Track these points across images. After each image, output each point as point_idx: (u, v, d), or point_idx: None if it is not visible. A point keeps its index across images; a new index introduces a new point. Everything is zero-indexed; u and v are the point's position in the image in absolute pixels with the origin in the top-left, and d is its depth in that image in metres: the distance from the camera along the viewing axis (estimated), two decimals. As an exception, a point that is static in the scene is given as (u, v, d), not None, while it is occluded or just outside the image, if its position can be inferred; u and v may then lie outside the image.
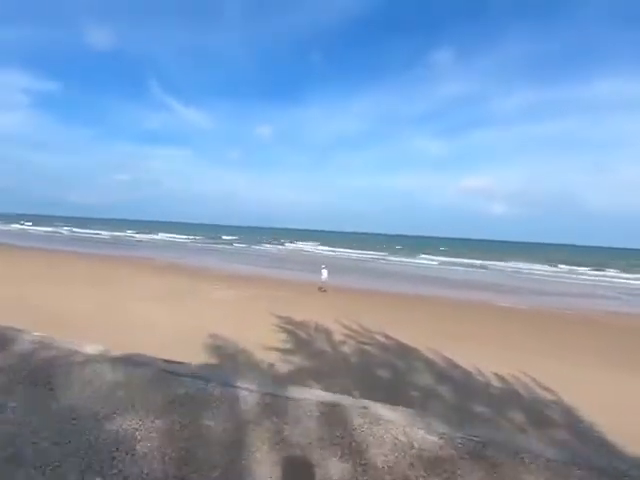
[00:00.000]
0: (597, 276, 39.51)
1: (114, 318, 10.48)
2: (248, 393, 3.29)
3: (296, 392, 3.43)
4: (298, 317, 11.79)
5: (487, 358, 9.00)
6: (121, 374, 3.51)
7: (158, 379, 3.43)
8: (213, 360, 7.47)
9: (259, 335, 9.39)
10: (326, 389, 6.49)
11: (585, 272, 42.66)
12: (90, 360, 3.77)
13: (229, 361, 7.52)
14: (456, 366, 8.43)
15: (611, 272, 43.13)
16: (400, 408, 3.28)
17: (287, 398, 3.25)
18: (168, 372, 3.58)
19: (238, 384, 3.44)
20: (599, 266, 48.82)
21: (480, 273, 36.97)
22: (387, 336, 10.49)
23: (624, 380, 8.49)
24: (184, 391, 3.24)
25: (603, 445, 5.33)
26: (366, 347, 9.43)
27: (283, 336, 9.69)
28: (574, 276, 38.49)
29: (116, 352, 4.05)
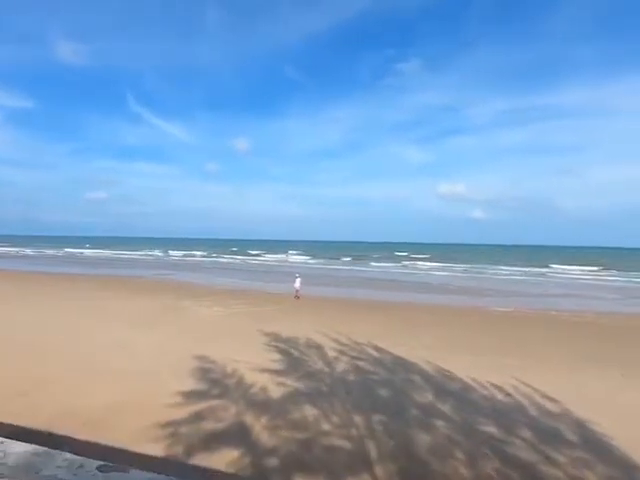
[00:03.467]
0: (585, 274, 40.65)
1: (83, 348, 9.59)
2: None
3: None
4: (285, 332, 11.21)
5: (487, 368, 8.69)
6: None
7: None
8: (200, 385, 6.81)
9: (248, 355, 8.76)
10: (324, 415, 6.01)
11: (569, 271, 43.86)
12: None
13: (216, 387, 6.86)
14: (453, 378, 8.08)
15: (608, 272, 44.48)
16: None
17: None
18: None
19: None
20: (587, 265, 50.08)
21: (460, 277, 37.30)
22: (377, 348, 10.06)
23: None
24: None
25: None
26: (359, 363, 8.94)
27: (273, 355, 9.08)
28: (562, 276, 39.44)
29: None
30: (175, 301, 17.07)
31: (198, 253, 69.69)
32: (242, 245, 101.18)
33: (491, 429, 5.85)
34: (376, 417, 6.05)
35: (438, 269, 45.44)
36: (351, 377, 7.92)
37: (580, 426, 6.00)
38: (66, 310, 14.17)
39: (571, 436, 5.75)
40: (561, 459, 5.03)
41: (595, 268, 47.26)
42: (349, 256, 63.88)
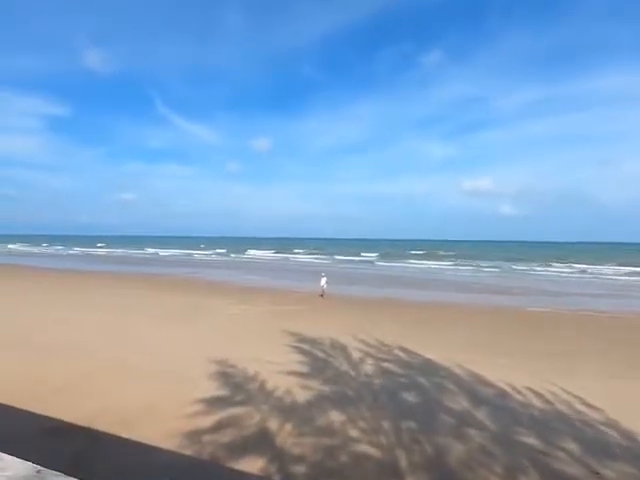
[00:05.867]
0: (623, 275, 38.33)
1: (116, 341, 9.89)
2: None
3: None
4: (310, 332, 11.13)
5: (522, 373, 8.26)
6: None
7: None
8: (222, 391, 6.82)
9: (273, 356, 8.74)
10: (350, 420, 5.86)
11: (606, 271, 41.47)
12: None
13: (239, 391, 6.85)
14: (486, 383, 7.71)
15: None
16: None
17: None
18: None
19: None
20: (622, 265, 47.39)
21: (492, 275, 36.00)
22: (405, 349, 9.79)
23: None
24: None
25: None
26: (387, 365, 8.72)
27: (298, 356, 9.01)
28: (593, 277, 37.36)
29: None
30: (204, 299, 17.37)
31: (221, 251, 71.27)
32: (268, 243, 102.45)
33: (530, 440, 5.50)
34: (406, 424, 5.83)
35: (465, 267, 44.09)
36: (378, 381, 7.72)
37: (628, 438, 5.55)
38: (108, 308, 14.70)
39: (618, 449, 5.33)
40: (609, 474, 4.65)
41: (632, 269, 44.44)
42: (373, 253, 63.35)
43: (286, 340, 10.42)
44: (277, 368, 7.88)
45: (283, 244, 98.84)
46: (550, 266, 44.78)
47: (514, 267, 43.36)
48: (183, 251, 71.80)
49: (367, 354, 9.38)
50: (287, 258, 58.32)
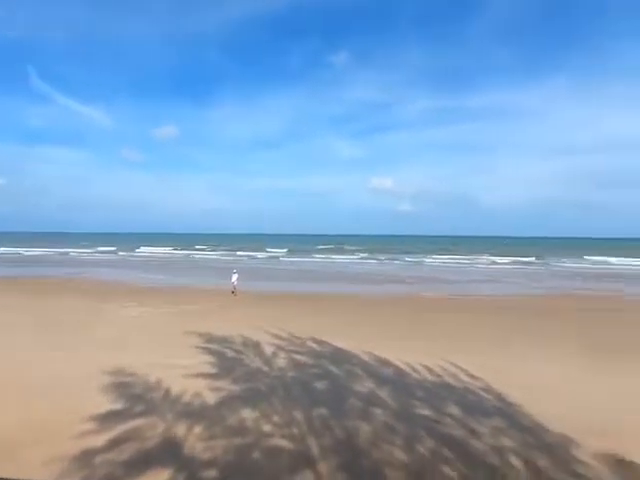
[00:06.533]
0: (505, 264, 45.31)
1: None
2: None
3: None
4: (220, 331, 10.71)
5: (419, 353, 9.18)
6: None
7: None
8: (119, 404, 6.12)
9: (179, 359, 8.16)
10: (263, 416, 5.81)
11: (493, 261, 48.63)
12: None
13: (139, 401, 6.24)
14: (389, 365, 8.40)
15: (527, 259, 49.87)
16: None
17: None
18: None
19: None
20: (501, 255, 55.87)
21: (392, 266, 39.39)
22: (317, 341, 10.10)
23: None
24: None
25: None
26: (300, 357, 8.87)
27: (207, 357, 8.59)
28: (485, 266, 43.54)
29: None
30: (96, 303, 15.37)
31: (108, 249, 62.53)
32: (176, 239, 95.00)
33: (425, 411, 6.17)
34: (317, 412, 6.01)
35: (369, 260, 47.48)
36: (291, 373, 7.81)
37: (499, 400, 6.62)
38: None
39: (492, 409, 6.32)
40: (483, 430, 5.49)
41: (504, 258, 53.10)
42: (281, 249, 63.49)
43: (193, 341, 9.84)
44: (183, 372, 7.39)
45: (186, 240, 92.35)
46: (441, 256, 50.83)
47: (409, 259, 48.10)
48: (58, 250, 60.88)
49: (280, 348, 9.41)
50: (188, 255, 54.34)
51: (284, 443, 5.06)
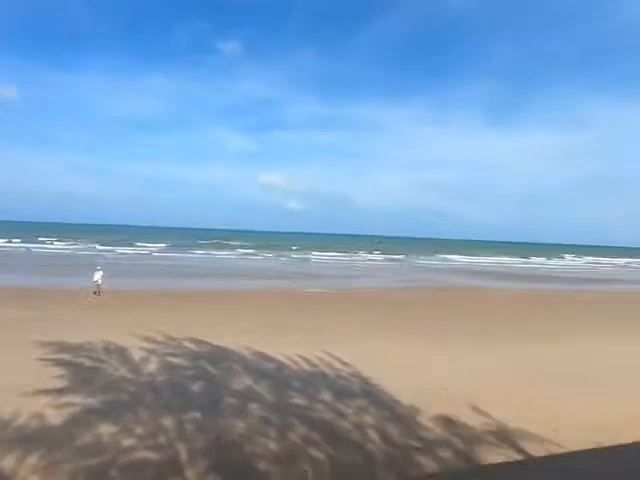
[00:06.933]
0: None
1: None
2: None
3: None
4: (77, 338, 9.22)
5: (298, 345, 9.55)
6: None
7: None
8: None
9: (16, 377, 6.70)
10: (124, 430, 5.22)
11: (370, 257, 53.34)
12: None
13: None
14: (268, 359, 8.54)
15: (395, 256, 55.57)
16: None
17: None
18: None
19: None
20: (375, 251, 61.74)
21: (278, 263, 40.13)
22: (193, 340, 9.60)
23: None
24: None
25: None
26: (173, 359, 8.29)
27: (56, 371, 7.28)
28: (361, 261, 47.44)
29: None
30: None
31: None
32: (13, 228, 76.40)
33: (299, 400, 6.47)
34: (189, 416, 5.71)
35: (255, 256, 47.37)
36: (162, 378, 7.23)
37: (364, 382, 7.40)
38: None
39: (358, 391, 7.02)
40: (349, 411, 6.07)
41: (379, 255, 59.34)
42: (163, 243, 58.01)
43: (40, 352, 8.24)
44: (21, 390, 6.11)
45: (27, 229, 74.99)
46: (324, 253, 53.92)
47: (295, 256, 49.78)
48: None
49: (150, 352, 8.60)
50: (29, 249, 43.92)
51: (148, 455, 4.65)
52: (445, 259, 55.80)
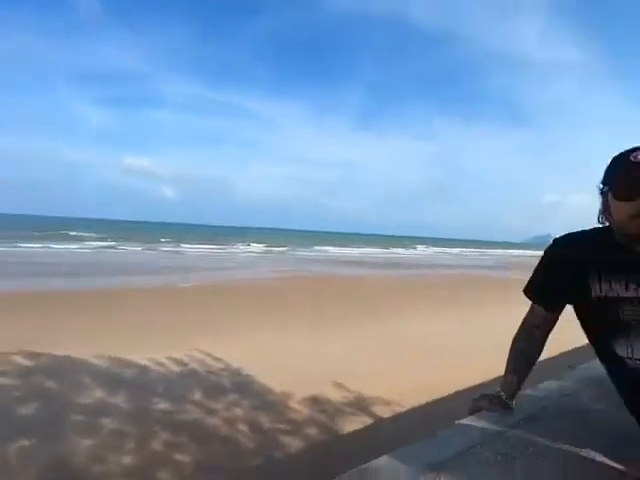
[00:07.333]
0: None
1: None
2: None
3: None
4: None
5: (167, 346, 8.85)
6: None
7: None
8: None
9: None
10: None
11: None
12: None
13: None
14: (129, 365, 7.69)
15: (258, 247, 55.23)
16: None
17: None
18: None
19: None
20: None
21: (143, 256, 36.23)
22: (28, 354, 7.92)
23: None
24: None
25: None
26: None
27: None
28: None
29: None
30: None
31: None
32: None
33: (164, 405, 6.03)
34: (19, 445, 4.72)
35: (113, 249, 41.70)
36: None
37: (235, 374, 7.36)
38: None
39: (229, 385, 6.95)
40: (219, 407, 5.97)
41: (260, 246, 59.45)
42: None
43: None
44: None
45: None
46: (202, 245, 50.93)
47: (165, 248, 45.69)
48: None
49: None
50: None
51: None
52: (322, 250, 59.48)
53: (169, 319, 12.25)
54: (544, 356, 1.88)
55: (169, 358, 8.11)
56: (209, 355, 8.37)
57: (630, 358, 1.48)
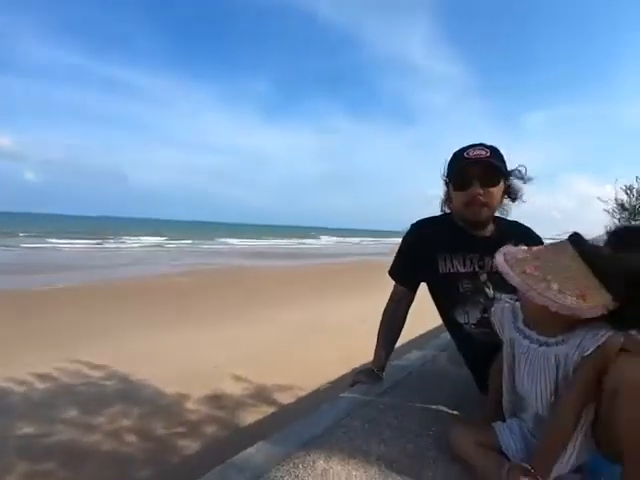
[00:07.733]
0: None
1: None
2: None
3: None
4: None
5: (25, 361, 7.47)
6: None
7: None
8: None
9: None
10: None
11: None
12: None
13: None
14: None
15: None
16: None
17: None
18: None
19: None
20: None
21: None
22: None
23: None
24: None
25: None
26: None
27: None
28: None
29: None
30: None
31: None
32: None
33: (27, 430, 5.11)
34: None
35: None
36: None
37: (121, 382, 6.64)
38: None
39: (113, 393, 6.23)
40: (101, 420, 5.32)
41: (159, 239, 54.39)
42: None
43: None
44: None
45: None
46: (72, 241, 43.98)
47: (26, 245, 38.38)
48: None
49: None
50: None
51: None
52: (222, 242, 57.27)
53: (32, 329, 10.34)
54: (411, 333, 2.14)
55: (36, 374, 6.88)
56: (87, 364, 7.36)
57: (467, 324, 1.79)
